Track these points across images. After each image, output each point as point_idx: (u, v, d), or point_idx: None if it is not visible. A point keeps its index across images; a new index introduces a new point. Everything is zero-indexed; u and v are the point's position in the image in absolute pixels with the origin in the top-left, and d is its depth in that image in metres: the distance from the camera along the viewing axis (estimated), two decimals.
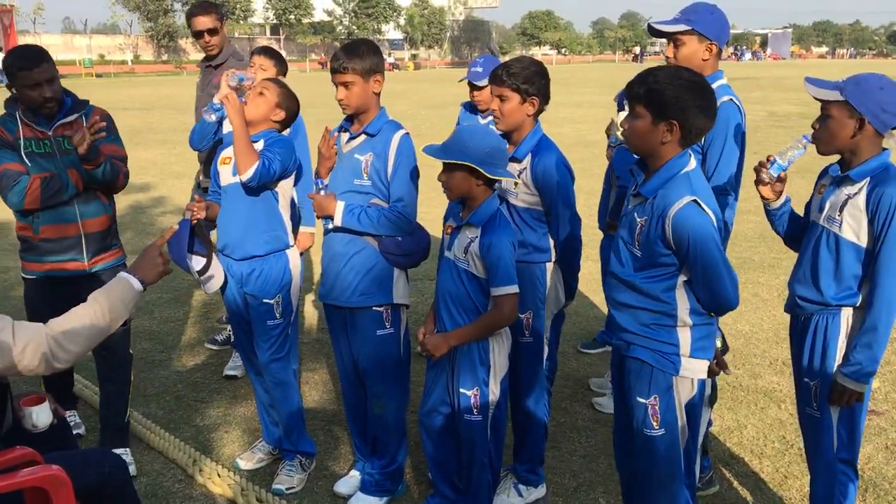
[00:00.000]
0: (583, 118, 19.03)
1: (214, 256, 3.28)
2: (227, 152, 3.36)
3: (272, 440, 3.67)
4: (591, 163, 11.64)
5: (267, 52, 4.38)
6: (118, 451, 3.44)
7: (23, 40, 41.21)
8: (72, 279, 3.47)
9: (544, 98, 3.09)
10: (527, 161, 3.07)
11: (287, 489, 3.41)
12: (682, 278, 2.42)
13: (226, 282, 3.38)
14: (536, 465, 3.36)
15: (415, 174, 3.15)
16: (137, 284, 2.51)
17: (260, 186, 3.21)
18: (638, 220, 2.46)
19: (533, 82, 3.03)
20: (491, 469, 3.02)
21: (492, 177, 2.76)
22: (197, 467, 3.56)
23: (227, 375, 4.59)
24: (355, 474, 3.49)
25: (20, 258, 3.55)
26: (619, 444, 2.81)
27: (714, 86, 2.78)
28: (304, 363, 4.75)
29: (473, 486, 3.00)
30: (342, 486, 3.46)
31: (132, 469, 3.37)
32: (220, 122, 4.01)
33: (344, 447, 3.81)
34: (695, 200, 2.32)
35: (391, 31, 72.34)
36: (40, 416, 2.56)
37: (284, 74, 4.24)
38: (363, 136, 3.13)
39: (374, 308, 3.18)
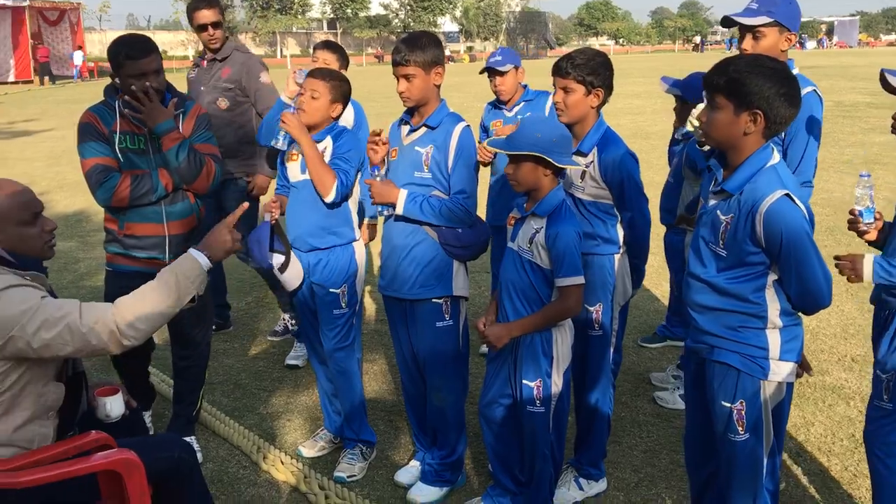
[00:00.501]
0: (641, 109, 18.74)
1: (292, 253, 3.33)
2: (294, 148, 3.40)
3: (334, 429, 3.72)
4: (650, 154, 11.47)
5: (329, 46, 4.36)
6: (186, 438, 3.50)
7: (89, 37, 42.40)
8: (152, 276, 3.47)
9: (608, 90, 3.05)
10: (593, 155, 3.04)
11: (348, 477, 3.45)
12: (771, 277, 2.34)
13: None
14: (598, 459, 3.34)
15: (475, 166, 3.14)
16: (205, 262, 2.51)
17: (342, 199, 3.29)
18: (723, 218, 2.35)
19: (598, 74, 2.99)
20: (553, 462, 3.00)
21: (560, 165, 2.74)
22: (261, 454, 3.63)
23: (288, 365, 4.65)
24: (415, 464, 3.51)
25: (104, 248, 3.53)
26: (692, 448, 2.75)
27: None
28: (363, 354, 4.78)
29: (535, 478, 2.99)
30: (403, 476, 3.48)
31: (199, 456, 3.44)
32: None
33: (404, 437, 3.84)
34: (787, 194, 2.24)
35: (447, 24, 72.30)
36: (114, 406, 2.63)
37: (346, 68, 4.25)
38: (424, 129, 3.14)
39: (433, 300, 3.19)
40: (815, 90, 3.01)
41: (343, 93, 3.37)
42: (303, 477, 3.43)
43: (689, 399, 2.73)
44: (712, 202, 2.44)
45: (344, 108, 3.41)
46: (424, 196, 3.08)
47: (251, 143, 4.79)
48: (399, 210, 3.09)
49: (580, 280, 2.79)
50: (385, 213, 3.17)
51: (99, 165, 3.22)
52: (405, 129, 3.23)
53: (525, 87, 4.51)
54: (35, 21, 33.04)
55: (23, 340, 2.21)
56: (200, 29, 4.72)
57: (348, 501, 3.27)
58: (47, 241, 2.46)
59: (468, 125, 3.16)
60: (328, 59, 4.21)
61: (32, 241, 2.41)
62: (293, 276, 3.36)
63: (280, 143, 3.37)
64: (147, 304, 2.38)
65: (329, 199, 3.24)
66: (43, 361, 2.36)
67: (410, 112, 3.19)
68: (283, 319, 5.10)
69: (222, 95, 4.74)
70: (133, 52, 3.15)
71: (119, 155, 3.27)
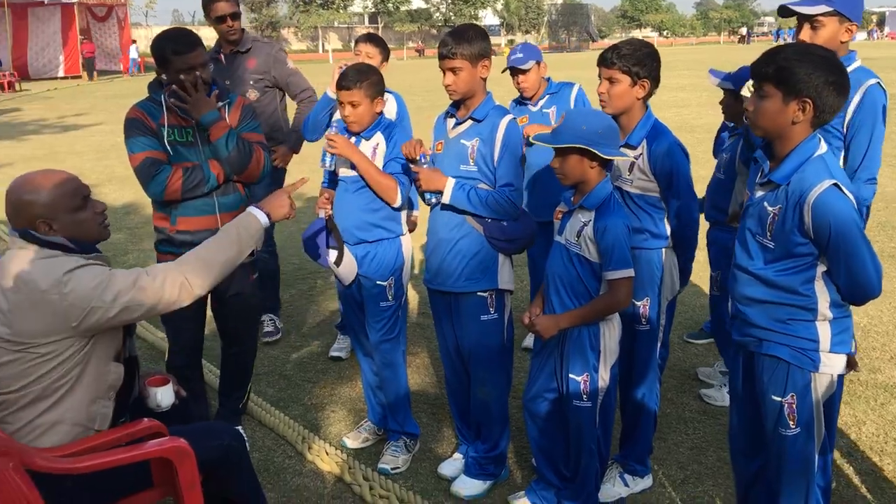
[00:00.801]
0: (686, 102, 18.48)
1: (346, 248, 3.36)
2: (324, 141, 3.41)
3: (377, 420, 3.74)
4: (696, 148, 11.28)
5: (371, 39, 4.33)
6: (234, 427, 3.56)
7: (135, 33, 43.09)
8: None
9: (655, 81, 3.01)
10: (642, 147, 3.00)
11: (392, 469, 3.47)
12: (820, 269, 2.30)
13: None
14: (644, 455, 3.31)
15: (521, 160, 3.13)
16: (264, 218, 2.70)
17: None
18: (770, 209, 2.33)
19: (644, 65, 2.96)
20: (599, 457, 2.98)
21: (606, 157, 2.72)
22: (306, 444, 3.67)
23: (332, 356, 4.68)
24: (459, 457, 3.52)
25: (155, 249, 3.48)
26: (738, 443, 2.71)
27: (852, 67, 2.64)
28: (407, 346, 4.81)
29: (580, 474, 2.98)
30: (446, 469, 3.49)
31: (247, 446, 3.49)
32: (331, 116, 4.08)
33: (447, 430, 3.85)
34: (835, 184, 2.20)
35: (488, 17, 72.06)
36: (164, 396, 2.69)
37: (386, 60, 4.25)
38: (470, 122, 3.13)
39: (478, 293, 3.19)
40: (878, 82, 2.94)
41: (378, 87, 3.36)
42: (347, 468, 3.46)
43: (735, 393, 2.69)
44: (759, 194, 2.41)
45: (383, 98, 3.43)
46: (472, 185, 3.08)
47: (280, 129, 4.87)
48: (446, 198, 3.08)
49: (630, 273, 2.77)
50: (433, 200, 3.16)
51: (149, 159, 3.20)
52: (451, 121, 3.22)
53: (548, 80, 4.48)
54: (84, 17, 33.69)
55: (101, 310, 2.33)
56: (219, 21, 4.60)
57: (392, 493, 3.29)
58: (101, 222, 2.54)
59: (514, 118, 3.15)
60: (370, 53, 4.19)
61: (87, 224, 2.48)
62: (348, 271, 3.39)
63: (328, 165, 3.36)
64: (211, 254, 2.57)
65: (396, 205, 3.31)
66: (106, 339, 2.45)
67: (456, 105, 3.18)
68: (272, 319, 5.07)
69: (252, 87, 4.71)
70: (179, 48, 3.15)
71: (168, 148, 3.25)
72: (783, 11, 3.07)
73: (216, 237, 2.62)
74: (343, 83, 3.26)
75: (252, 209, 2.71)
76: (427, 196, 3.17)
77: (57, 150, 13.21)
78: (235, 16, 4.61)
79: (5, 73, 27.71)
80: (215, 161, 3.30)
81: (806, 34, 2.98)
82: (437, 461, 3.57)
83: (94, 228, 2.50)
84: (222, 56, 4.71)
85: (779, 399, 2.41)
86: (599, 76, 3.03)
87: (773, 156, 2.39)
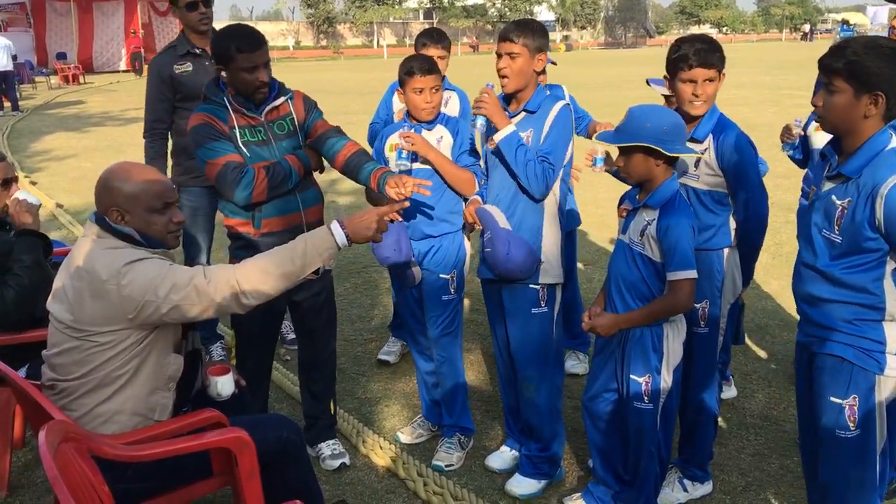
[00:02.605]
0: (745, 100, 18.08)
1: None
2: (394, 139, 3.41)
3: (432, 417, 3.72)
4: (757, 146, 11.04)
5: (439, 40, 4.04)
6: (329, 441, 3.53)
7: None
8: None
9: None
10: (709, 141, 2.93)
11: (446, 466, 3.45)
12: (890, 266, 2.24)
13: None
14: (705, 460, 3.23)
15: (568, 142, 3.07)
16: (341, 238, 2.54)
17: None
18: (838, 202, 2.29)
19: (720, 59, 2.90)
20: (659, 461, 2.92)
21: (671, 154, 2.65)
22: (360, 438, 3.68)
23: (380, 360, 4.58)
24: (506, 450, 3.50)
25: (232, 256, 3.26)
26: (806, 447, 2.64)
27: None
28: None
29: (640, 477, 2.92)
30: (494, 461, 3.48)
31: (347, 459, 3.47)
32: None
33: (500, 427, 3.81)
34: None
35: (543, 13, 71.62)
36: (225, 386, 2.71)
37: (449, 51, 4.16)
38: (523, 114, 3.11)
39: (530, 286, 3.15)
40: None
41: (440, 77, 3.40)
42: (401, 463, 3.46)
43: (801, 398, 2.61)
44: (826, 188, 2.37)
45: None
46: (525, 145, 3.01)
47: None
48: (500, 136, 3.01)
49: (692, 274, 2.70)
50: (478, 125, 3.10)
51: (231, 163, 3.03)
52: None
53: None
54: (146, 11, 34.38)
55: (154, 305, 2.32)
56: (191, 7, 4.12)
57: (446, 490, 3.27)
58: (172, 231, 2.54)
59: (568, 104, 3.11)
60: (439, 55, 3.98)
61: (157, 227, 2.49)
62: (418, 272, 3.41)
63: (406, 164, 3.27)
64: (272, 265, 2.45)
65: (476, 195, 3.29)
66: (166, 332, 2.47)
67: (507, 99, 3.15)
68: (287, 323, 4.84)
69: None
70: (244, 45, 3.02)
71: (244, 149, 3.11)
72: None
73: (283, 248, 2.49)
74: (423, 69, 3.28)
75: (334, 225, 2.55)
76: (479, 123, 3.09)
77: (120, 142, 13.51)
78: (209, 2, 4.18)
79: (70, 66, 28.47)
80: (292, 156, 3.18)
81: None
82: None
83: (162, 234, 2.50)
84: (188, 54, 4.24)
85: (839, 401, 2.35)
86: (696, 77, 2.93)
87: (841, 150, 2.35)
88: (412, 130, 3.30)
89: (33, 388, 2.38)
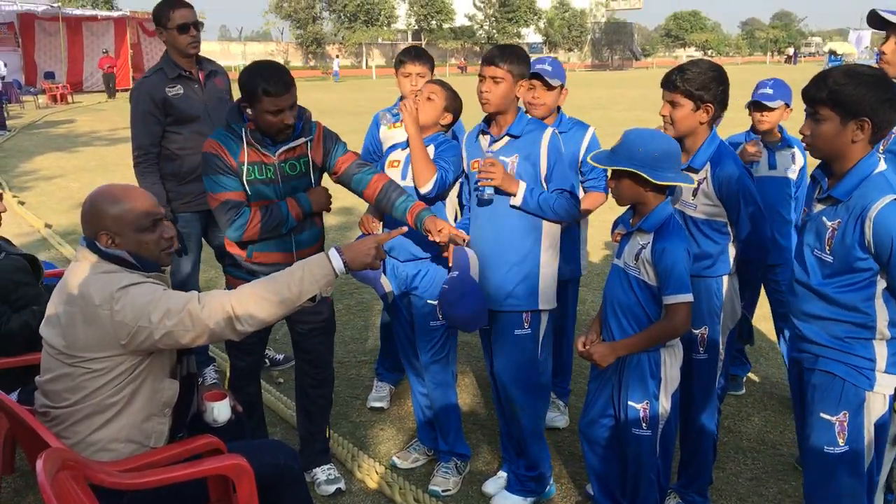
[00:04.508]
0: (733, 122, 18.21)
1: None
2: (395, 156, 3.42)
3: (428, 441, 3.69)
4: None
5: (419, 57, 3.95)
6: (324, 466, 3.50)
7: None
8: None
9: (721, 105, 2.94)
10: (706, 171, 2.93)
11: (443, 491, 3.42)
12: (881, 286, 2.31)
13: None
14: (704, 486, 3.21)
15: (570, 163, 3.14)
16: (339, 265, 2.49)
17: (435, 196, 3.26)
18: (828, 223, 2.37)
19: (709, 89, 2.88)
20: (659, 488, 2.90)
21: (659, 183, 2.65)
22: (356, 463, 3.64)
23: (372, 408, 4.29)
24: (502, 475, 3.47)
25: (225, 272, 3.38)
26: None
27: None
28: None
29: (639, 503, 2.90)
30: (490, 486, 3.46)
31: (342, 484, 3.44)
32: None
33: (496, 451, 3.78)
34: None
35: (531, 35, 72.17)
36: (221, 411, 2.68)
37: (432, 73, 4.08)
38: (507, 139, 3.12)
39: (515, 311, 3.16)
40: None
41: (456, 106, 3.39)
42: (398, 488, 3.42)
43: (798, 415, 2.63)
44: (817, 209, 2.45)
45: (454, 122, 3.43)
46: (540, 190, 3.06)
47: None
48: (518, 201, 3.04)
49: (688, 297, 2.70)
50: (485, 194, 3.08)
51: (230, 202, 3.04)
52: (485, 139, 3.21)
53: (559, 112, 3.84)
54: (135, 32, 34.40)
55: (147, 331, 2.28)
56: (182, 30, 4.06)
57: None
58: (164, 249, 2.50)
59: (555, 130, 3.14)
60: (423, 72, 3.92)
61: (149, 246, 2.45)
62: (387, 282, 3.43)
63: (389, 121, 3.51)
64: (266, 293, 2.39)
65: (424, 190, 3.21)
66: (161, 357, 2.43)
67: (488, 122, 3.17)
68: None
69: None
70: (272, 88, 2.92)
71: (247, 186, 3.08)
72: (873, 20, 3.01)
73: (280, 274, 2.45)
74: (412, 55, 3.44)
75: (332, 252, 2.50)
76: (482, 190, 3.08)
77: (108, 162, 13.46)
78: (198, 25, 4.13)
79: (58, 85, 28.40)
80: (293, 200, 3.14)
81: (890, 47, 2.94)
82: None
83: (155, 253, 2.47)
84: (200, 75, 4.22)
85: (829, 417, 2.40)
86: (663, 98, 2.98)
87: (831, 173, 2.43)
88: (411, 102, 3.32)
89: (29, 414, 2.34)
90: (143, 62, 33.60)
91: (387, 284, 3.43)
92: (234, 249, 3.21)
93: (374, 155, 4.10)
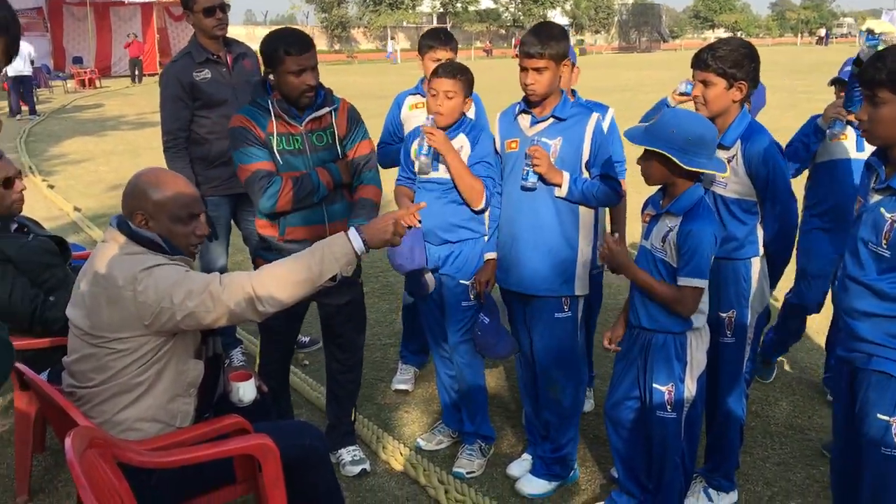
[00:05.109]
0: (767, 105, 17.95)
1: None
2: (418, 144, 3.38)
3: (452, 423, 3.70)
4: None
5: (447, 42, 3.92)
6: (349, 448, 3.52)
7: None
8: None
9: (753, 83, 2.89)
10: (736, 147, 2.88)
11: (467, 473, 3.43)
12: None
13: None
14: (731, 470, 3.19)
15: (615, 146, 3.15)
16: (359, 243, 2.46)
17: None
18: (887, 215, 2.22)
19: (741, 66, 2.84)
20: (683, 471, 2.88)
21: (688, 168, 2.61)
22: (380, 444, 3.65)
23: (396, 390, 4.32)
24: (527, 457, 3.47)
25: (257, 256, 3.32)
26: (840, 467, 2.58)
27: None
28: None
29: (664, 487, 2.88)
30: (514, 469, 3.45)
31: (367, 466, 3.46)
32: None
33: (522, 434, 3.78)
34: None
35: (557, 17, 71.53)
36: (247, 391, 2.70)
37: (456, 55, 4.02)
38: (551, 120, 3.08)
39: (553, 296, 3.15)
40: None
41: (471, 86, 3.34)
42: (422, 470, 3.43)
43: (840, 413, 2.55)
44: (874, 200, 2.30)
45: (471, 99, 3.39)
46: (584, 179, 3.05)
47: None
48: (563, 192, 3.04)
49: (701, 283, 2.67)
50: (528, 181, 3.07)
51: (261, 171, 3.05)
52: (525, 119, 3.16)
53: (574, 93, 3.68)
54: (161, 16, 34.58)
55: (169, 311, 2.30)
56: (208, 13, 4.04)
57: (468, 498, 3.24)
58: (193, 244, 2.53)
59: (600, 115, 3.09)
60: (449, 57, 3.90)
61: (179, 238, 2.49)
62: (432, 280, 3.40)
63: (424, 160, 3.25)
64: (287, 273, 2.39)
65: (478, 207, 3.23)
66: (185, 338, 2.45)
67: (530, 103, 3.12)
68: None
69: None
70: (293, 48, 2.99)
71: (277, 157, 3.10)
72: None
73: (300, 254, 2.44)
74: (444, 72, 3.21)
75: (351, 232, 2.47)
76: (525, 178, 3.08)
77: (136, 146, 13.58)
78: (225, 7, 4.11)
79: (86, 70, 28.65)
80: (323, 169, 3.16)
81: None
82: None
83: (183, 244, 2.50)
84: (228, 57, 4.21)
85: (886, 418, 2.28)
86: (694, 78, 2.93)
87: (888, 160, 2.28)
88: (431, 125, 3.25)
89: (58, 393, 2.37)
90: (169, 47, 33.77)
91: (431, 282, 3.41)
92: (266, 231, 3.21)
93: (395, 136, 4.08)
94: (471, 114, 4.08)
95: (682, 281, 2.67)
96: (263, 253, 3.24)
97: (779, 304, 4.34)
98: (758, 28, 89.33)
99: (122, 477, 2.08)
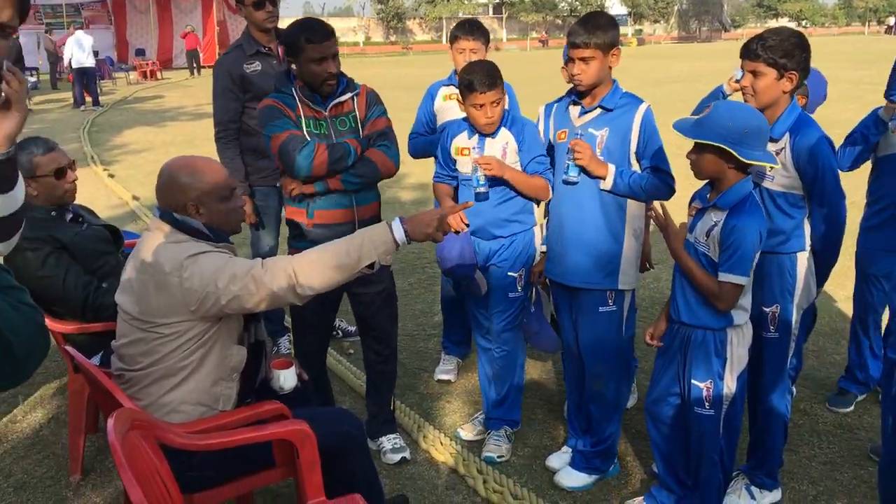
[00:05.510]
0: (829, 98, 17.46)
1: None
2: (461, 141, 3.37)
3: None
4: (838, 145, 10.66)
5: (472, 31, 3.90)
6: (389, 436, 3.56)
7: None
8: None
9: (804, 73, 2.83)
10: (785, 140, 2.83)
11: (498, 457, 3.46)
12: None
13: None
14: (774, 468, 3.13)
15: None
16: (400, 235, 2.48)
17: None
18: None
19: (792, 56, 2.77)
20: (722, 468, 2.84)
21: (746, 161, 2.56)
22: (421, 433, 3.69)
23: (439, 380, 4.34)
24: (567, 450, 3.47)
25: (290, 246, 3.34)
26: (889, 468, 2.50)
27: None
28: None
29: (702, 484, 2.85)
30: (554, 461, 3.45)
31: (407, 454, 3.50)
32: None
33: (562, 426, 3.78)
34: None
35: (615, 6, 70.57)
36: (287, 379, 2.76)
37: (487, 46, 3.99)
38: (598, 111, 3.06)
39: (598, 289, 3.14)
40: None
41: (502, 90, 3.29)
42: (462, 459, 3.45)
43: (890, 414, 2.48)
44: None
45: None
46: (631, 171, 3.02)
47: None
48: (608, 185, 3.02)
49: (742, 280, 2.62)
50: (570, 176, 3.06)
51: (295, 136, 3.11)
52: (575, 109, 3.14)
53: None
54: (220, 8, 35.17)
55: (214, 296, 2.37)
56: (258, 6, 4.10)
57: (506, 488, 3.25)
58: (240, 218, 2.65)
59: (650, 105, 3.05)
60: (475, 48, 3.89)
61: (229, 215, 2.59)
62: (483, 282, 3.41)
63: (482, 188, 3.24)
64: (326, 257, 2.44)
65: (548, 199, 3.26)
66: (228, 323, 2.52)
67: (580, 93, 3.10)
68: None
69: None
70: (313, 36, 3.08)
71: (307, 137, 3.17)
72: None
73: (341, 240, 2.48)
74: (483, 85, 3.14)
75: (394, 222, 2.50)
76: (566, 172, 3.08)
77: (193, 136, 13.87)
78: (275, 0, 4.14)
79: (149, 62, 29.34)
80: (352, 139, 3.21)
81: None
82: None
83: (233, 220, 2.61)
84: (280, 50, 4.17)
85: None
86: (743, 67, 2.88)
87: None
88: (479, 150, 3.26)
89: (104, 375, 2.45)
90: (228, 39, 34.23)
91: (483, 284, 3.42)
92: (295, 216, 3.28)
93: (428, 127, 4.11)
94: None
95: (723, 276, 2.63)
96: (295, 242, 3.30)
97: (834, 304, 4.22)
98: (823, 17, 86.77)
99: (164, 458, 2.15)
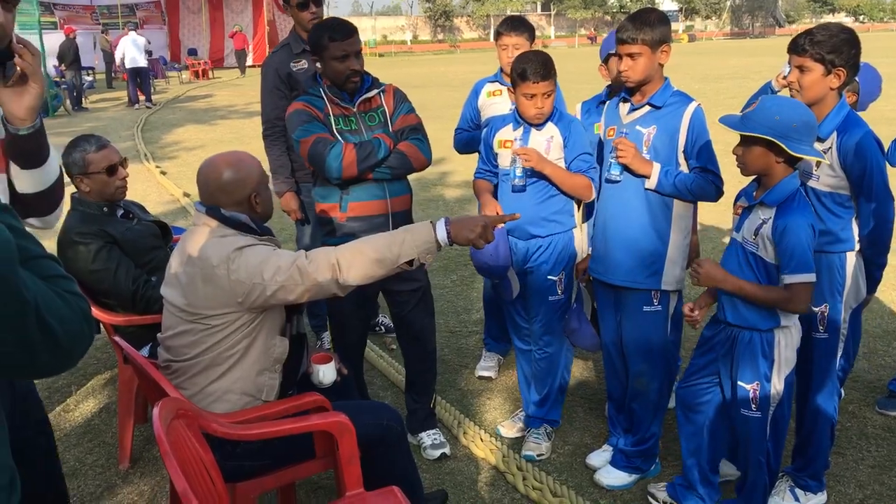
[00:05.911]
0: (885, 94, 17.00)
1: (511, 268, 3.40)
2: (505, 134, 3.38)
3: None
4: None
5: (516, 27, 3.86)
6: (430, 431, 3.59)
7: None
8: None
9: (853, 70, 2.76)
10: (832, 140, 2.77)
11: (538, 456, 3.46)
12: None
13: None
14: (820, 471, 3.07)
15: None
16: (443, 236, 2.49)
17: None
18: None
19: (840, 52, 2.71)
20: (768, 470, 2.80)
21: (795, 154, 2.52)
22: (461, 429, 3.70)
23: (480, 377, 4.34)
24: (608, 448, 3.46)
25: (323, 241, 3.35)
26: None
27: None
28: None
29: (748, 486, 2.82)
30: (594, 459, 3.44)
31: (447, 450, 3.51)
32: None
33: (603, 425, 3.75)
34: None
35: (666, 2, 69.64)
36: (327, 373, 2.80)
37: (533, 41, 3.94)
38: (647, 108, 3.03)
39: (643, 289, 3.12)
40: None
41: (554, 83, 3.28)
42: (501, 456, 3.46)
43: None
44: None
45: None
46: (677, 171, 2.98)
47: None
48: (652, 184, 2.99)
49: (810, 278, 2.57)
50: (613, 174, 3.06)
51: (323, 139, 3.17)
52: (625, 106, 3.12)
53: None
54: (270, 8, 35.63)
55: (261, 287, 2.41)
56: (302, 7, 4.14)
57: (546, 486, 3.25)
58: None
59: (700, 104, 3.01)
60: (519, 43, 3.83)
61: (270, 201, 2.67)
62: (516, 283, 3.41)
63: (518, 181, 3.24)
64: (369, 248, 2.47)
65: (591, 199, 3.26)
66: (272, 314, 2.57)
67: (630, 90, 3.08)
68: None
69: None
70: (336, 34, 3.16)
71: (337, 136, 3.22)
72: None
73: (384, 234, 2.53)
74: (537, 75, 3.14)
75: (439, 222, 2.51)
76: (608, 170, 3.07)
77: (243, 134, 14.09)
78: (319, 1, 4.19)
79: (201, 61, 29.86)
80: (381, 134, 3.26)
81: None
82: None
83: (272, 206, 2.69)
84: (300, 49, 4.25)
85: None
86: (791, 63, 2.83)
87: None
88: (523, 142, 3.25)
89: (151, 366, 2.52)
90: (277, 39, 34.67)
91: (516, 285, 3.42)
92: (330, 212, 3.31)
93: (472, 123, 4.11)
94: None
95: (790, 278, 2.57)
96: (327, 239, 3.31)
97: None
98: (882, 12, 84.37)
99: (207, 447, 2.20)
